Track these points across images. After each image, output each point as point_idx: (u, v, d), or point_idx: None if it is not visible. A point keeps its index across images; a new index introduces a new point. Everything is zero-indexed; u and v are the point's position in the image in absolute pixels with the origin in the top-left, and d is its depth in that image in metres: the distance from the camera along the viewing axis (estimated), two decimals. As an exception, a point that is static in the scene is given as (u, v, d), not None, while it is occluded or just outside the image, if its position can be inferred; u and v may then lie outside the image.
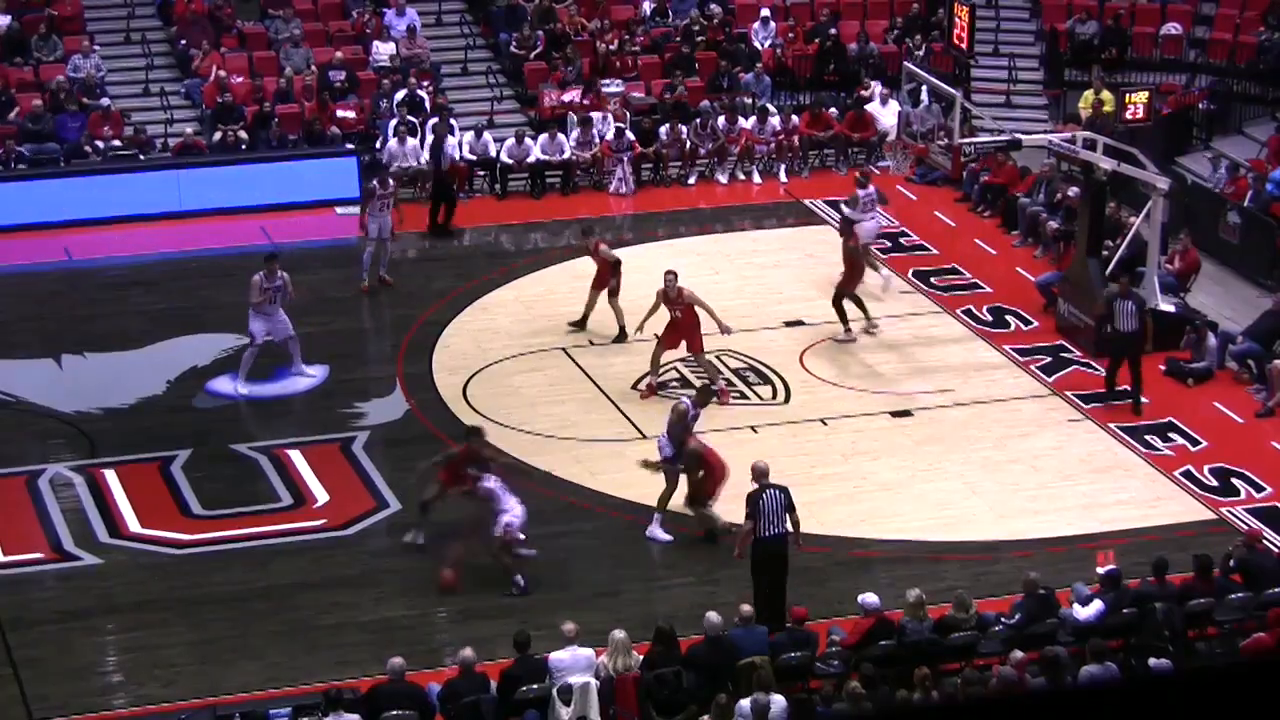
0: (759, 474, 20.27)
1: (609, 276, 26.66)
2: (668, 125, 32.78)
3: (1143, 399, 24.89)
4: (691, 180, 32.76)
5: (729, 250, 29.82)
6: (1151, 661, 18.99)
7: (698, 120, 32.86)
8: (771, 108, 33.67)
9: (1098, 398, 25.08)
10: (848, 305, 26.71)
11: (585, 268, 27.88)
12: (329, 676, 19.18)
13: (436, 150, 30.85)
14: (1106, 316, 25.13)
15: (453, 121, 32.41)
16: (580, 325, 26.85)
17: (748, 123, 33.19)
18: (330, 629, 20.36)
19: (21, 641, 20.01)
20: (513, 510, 20.66)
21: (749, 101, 33.95)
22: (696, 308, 25.01)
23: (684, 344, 25.10)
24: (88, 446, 23.89)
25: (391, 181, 28.61)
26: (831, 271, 28.17)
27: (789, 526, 19.94)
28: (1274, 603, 19.65)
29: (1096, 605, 19.32)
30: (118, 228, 30.64)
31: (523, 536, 20.82)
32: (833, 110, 33.98)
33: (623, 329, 26.57)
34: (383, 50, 34.49)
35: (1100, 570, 20.13)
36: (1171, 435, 24.42)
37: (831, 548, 21.87)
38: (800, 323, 27.37)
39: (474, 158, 32.02)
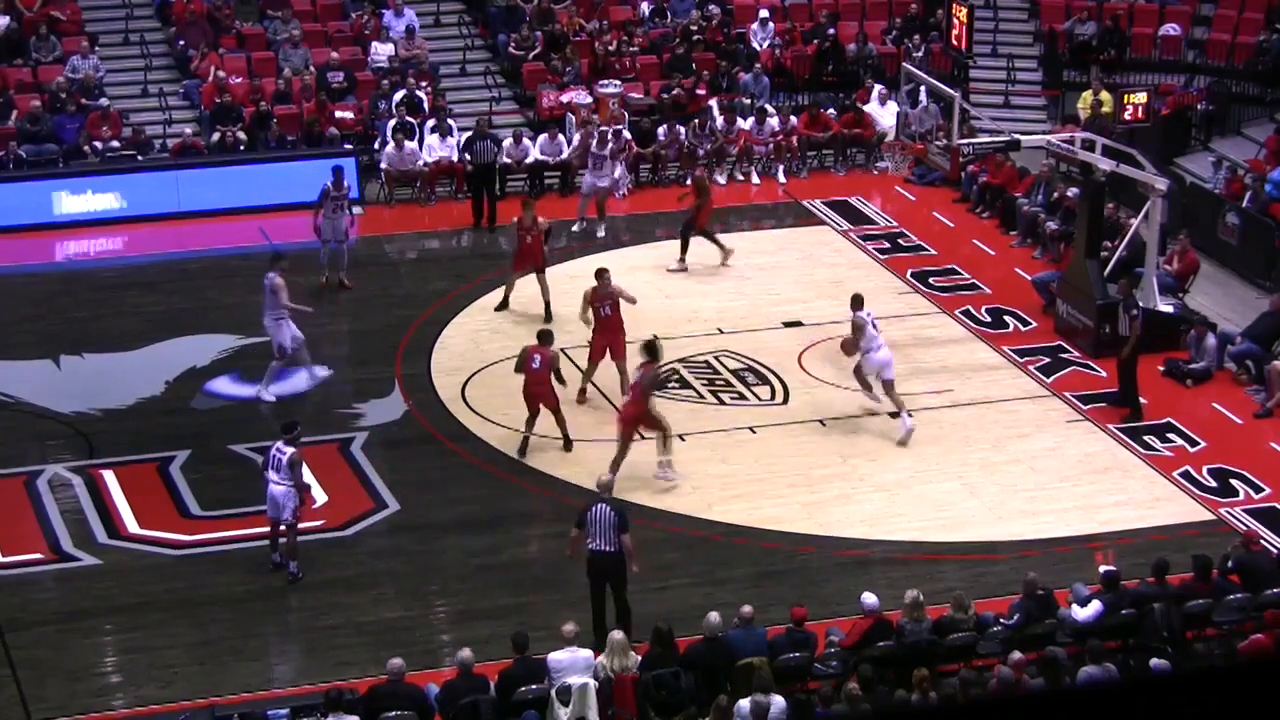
0: (599, 486, 20.26)
1: (540, 252, 27.19)
2: (665, 126, 32.80)
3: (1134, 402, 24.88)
4: (690, 181, 32.75)
5: (728, 251, 29.78)
6: (1150, 662, 18.98)
7: (696, 121, 32.87)
8: (770, 108, 33.68)
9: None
10: (700, 240, 28.82)
11: (579, 268, 27.91)
12: (327, 677, 19.18)
13: (469, 148, 30.89)
14: (1125, 312, 24.98)
15: (450, 122, 32.45)
16: (504, 307, 27.46)
17: (746, 123, 33.21)
18: (329, 630, 20.35)
19: (20, 642, 20.00)
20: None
21: (747, 102, 33.95)
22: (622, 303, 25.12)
23: (608, 350, 24.86)
24: (86, 447, 23.88)
25: (346, 184, 28.32)
26: (832, 272, 28.20)
27: (615, 546, 19.55)
28: (1272, 604, 19.65)
29: (1095, 606, 19.32)
30: (116, 228, 30.67)
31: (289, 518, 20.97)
32: (830, 111, 34.00)
33: (548, 305, 27.16)
34: (381, 51, 34.49)
35: (1100, 570, 20.12)
36: (1170, 436, 24.42)
37: (830, 548, 21.87)
38: (799, 323, 27.37)
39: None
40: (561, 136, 32.51)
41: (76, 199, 30.77)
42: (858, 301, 24.47)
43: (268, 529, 21.25)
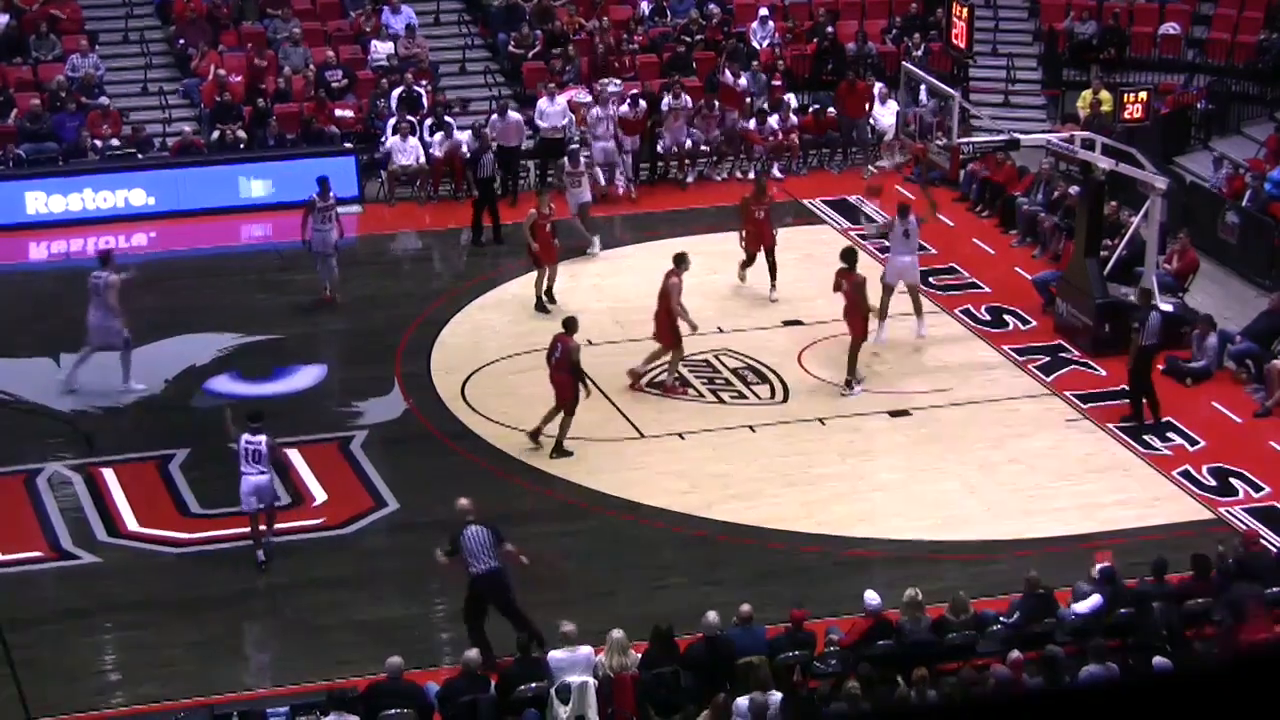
0: (460, 512, 19.74)
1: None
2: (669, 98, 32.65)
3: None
4: (690, 180, 32.76)
5: (728, 250, 29.76)
6: (1153, 661, 18.97)
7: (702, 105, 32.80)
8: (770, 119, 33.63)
9: (1134, 431, 24.44)
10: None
11: (580, 267, 27.92)
12: (326, 676, 19.17)
13: (475, 163, 30.69)
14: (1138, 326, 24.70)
15: (449, 120, 32.38)
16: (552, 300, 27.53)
17: (749, 122, 33.17)
18: (328, 628, 20.34)
19: (20, 641, 19.99)
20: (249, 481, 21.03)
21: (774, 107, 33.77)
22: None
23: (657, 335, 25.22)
24: (86, 445, 23.87)
25: (332, 194, 27.68)
26: (831, 271, 28.15)
27: (498, 562, 19.29)
28: (1272, 602, 19.64)
29: (1094, 599, 19.34)
30: (116, 227, 30.66)
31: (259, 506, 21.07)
32: (831, 110, 34.00)
33: (551, 293, 27.52)
34: (381, 50, 34.47)
35: (1096, 568, 20.09)
36: (1170, 435, 24.41)
37: (829, 548, 21.86)
38: (798, 322, 27.37)
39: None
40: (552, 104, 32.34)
41: (75, 198, 30.77)
42: (903, 211, 26.94)
43: (262, 527, 21.30)
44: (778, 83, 34.35)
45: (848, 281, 25.24)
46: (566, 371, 23.27)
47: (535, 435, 23.62)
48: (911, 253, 26.83)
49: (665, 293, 25.07)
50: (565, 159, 30.31)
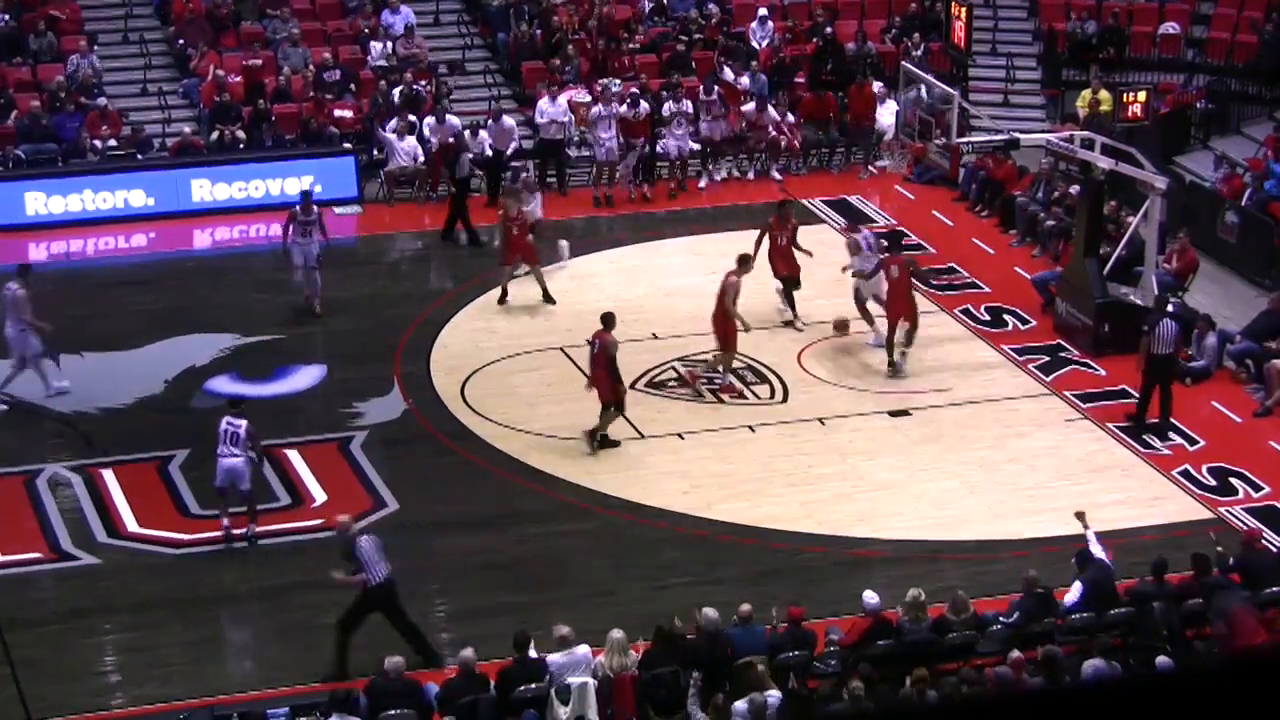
0: (342, 527, 19.68)
1: (527, 242, 27.45)
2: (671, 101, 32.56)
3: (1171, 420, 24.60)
4: (702, 185, 32.71)
5: (727, 250, 29.72)
6: (1157, 660, 18.98)
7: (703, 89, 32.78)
8: (770, 107, 33.66)
9: (1130, 431, 24.40)
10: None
11: (582, 267, 27.86)
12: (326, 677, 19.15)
13: (452, 165, 30.64)
14: (1147, 336, 24.41)
15: (452, 119, 32.33)
16: (503, 301, 27.62)
17: (749, 106, 33.15)
18: (328, 629, 20.28)
19: (20, 641, 20.00)
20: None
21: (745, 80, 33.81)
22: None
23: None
24: (86, 446, 23.87)
25: (315, 208, 27.25)
26: (831, 271, 28.16)
27: (389, 571, 19.29)
28: (1272, 602, 19.66)
29: (1076, 587, 19.40)
30: (115, 227, 30.66)
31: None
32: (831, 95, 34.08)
33: (546, 293, 27.52)
34: (380, 50, 34.44)
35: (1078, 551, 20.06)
36: (1169, 435, 24.40)
37: (829, 547, 21.87)
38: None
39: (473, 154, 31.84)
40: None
41: (74, 198, 30.78)
42: (854, 226, 27.53)
43: (243, 514, 21.56)
44: (800, 79, 34.39)
45: (897, 265, 25.49)
46: (604, 367, 23.30)
47: (594, 436, 23.57)
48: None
49: (724, 291, 25.08)
50: (508, 174, 29.94)
